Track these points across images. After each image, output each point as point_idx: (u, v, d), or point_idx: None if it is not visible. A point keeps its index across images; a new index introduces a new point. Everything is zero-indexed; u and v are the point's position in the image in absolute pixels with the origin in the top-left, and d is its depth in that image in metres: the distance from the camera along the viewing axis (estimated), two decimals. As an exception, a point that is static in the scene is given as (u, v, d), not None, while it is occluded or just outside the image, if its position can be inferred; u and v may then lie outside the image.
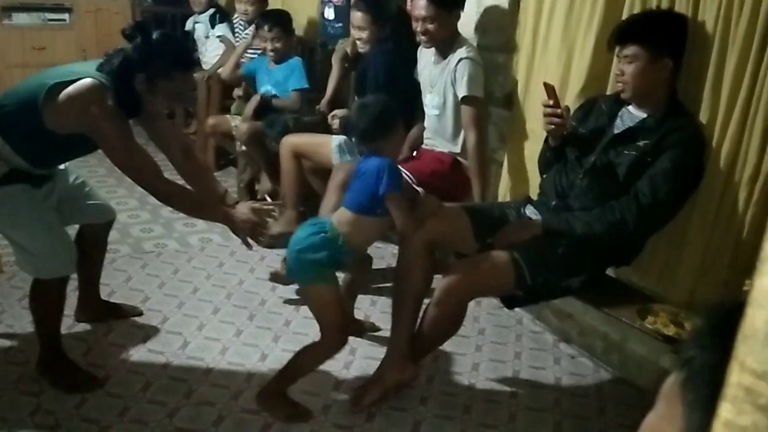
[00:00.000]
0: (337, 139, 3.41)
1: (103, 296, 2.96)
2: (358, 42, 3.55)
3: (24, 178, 2.33)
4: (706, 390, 0.57)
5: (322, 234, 2.29)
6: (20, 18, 5.18)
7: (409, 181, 3.00)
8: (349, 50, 3.90)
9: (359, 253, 2.46)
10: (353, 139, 2.37)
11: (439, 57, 3.16)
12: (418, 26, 3.08)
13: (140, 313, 2.97)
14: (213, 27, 4.81)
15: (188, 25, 5.02)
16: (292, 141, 3.56)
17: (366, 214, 2.32)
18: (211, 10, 4.85)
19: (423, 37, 3.09)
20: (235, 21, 4.68)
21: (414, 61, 3.39)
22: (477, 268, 2.31)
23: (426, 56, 3.26)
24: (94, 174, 4.50)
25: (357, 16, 3.49)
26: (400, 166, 3.04)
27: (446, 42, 3.09)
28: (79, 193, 2.64)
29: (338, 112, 3.73)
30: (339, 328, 2.33)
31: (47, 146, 2.30)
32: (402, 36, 3.41)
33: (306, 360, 2.40)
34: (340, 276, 2.55)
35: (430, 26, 3.03)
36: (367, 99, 2.39)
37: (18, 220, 2.34)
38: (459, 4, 3.09)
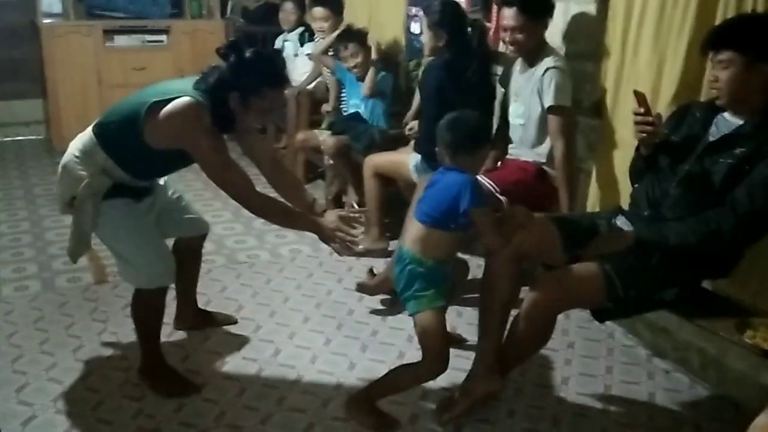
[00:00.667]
0: (415, 158, 3.45)
1: (200, 305, 3.08)
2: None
3: (127, 193, 2.46)
4: None
5: (409, 268, 2.32)
6: (121, 40, 5.45)
7: (492, 190, 2.99)
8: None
9: (451, 260, 2.44)
10: (437, 149, 2.37)
11: (525, 66, 3.15)
12: (506, 36, 3.07)
13: (235, 322, 3.07)
14: (302, 45, 4.93)
15: (278, 44, 5.17)
16: (373, 161, 3.65)
17: (438, 228, 2.30)
18: (300, 29, 4.97)
19: (511, 47, 3.08)
20: (316, 40, 4.78)
21: (481, 75, 3.37)
22: (566, 280, 2.27)
23: (513, 66, 3.25)
24: (191, 187, 4.70)
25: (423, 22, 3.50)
26: (482, 176, 3.05)
27: (533, 51, 3.08)
28: (176, 207, 2.76)
29: (413, 123, 3.79)
30: (439, 355, 2.32)
31: (148, 161, 2.43)
32: (462, 48, 3.38)
33: (402, 379, 2.42)
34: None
35: (519, 36, 3.02)
36: (462, 113, 2.38)
37: (121, 233, 2.47)
38: (548, 12, 3.06)
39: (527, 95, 3.11)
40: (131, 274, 2.51)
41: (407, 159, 3.53)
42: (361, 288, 3.25)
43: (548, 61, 3.01)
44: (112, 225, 2.45)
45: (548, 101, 2.99)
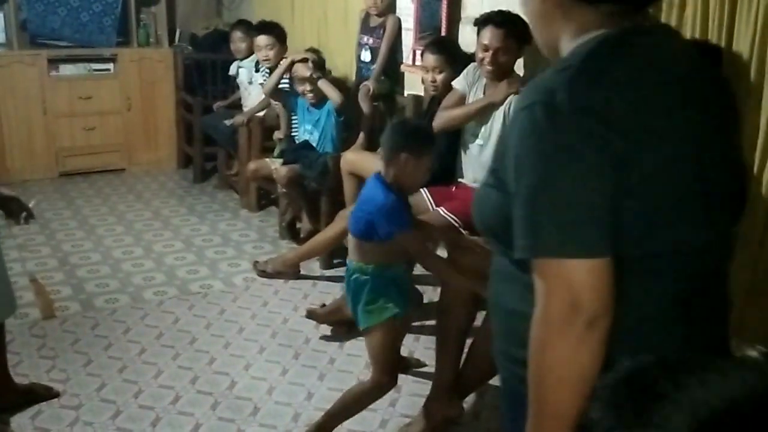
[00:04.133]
0: None
1: (152, 338, 3.01)
2: (430, 85, 3.48)
3: None
4: None
5: (352, 279, 2.31)
6: (66, 69, 5.35)
7: (455, 225, 2.99)
8: (372, 86, 3.98)
9: (396, 267, 2.35)
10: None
11: (490, 87, 3.13)
12: (487, 56, 3.03)
13: (57, 395, 2.70)
14: (257, 71, 4.94)
15: (232, 70, 5.15)
16: (348, 159, 3.80)
17: (365, 240, 2.28)
18: (254, 55, 4.98)
19: (489, 68, 3.06)
20: (261, 69, 4.78)
21: None
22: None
23: (474, 85, 3.24)
24: (141, 217, 4.63)
25: (431, 59, 3.42)
26: (443, 211, 3.06)
27: (504, 74, 3.09)
28: None
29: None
30: (389, 368, 2.32)
31: None
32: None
33: (353, 401, 2.41)
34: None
35: (502, 58, 3.02)
36: (407, 118, 2.34)
37: None
38: (530, 38, 3.09)
39: (489, 116, 3.10)
40: None
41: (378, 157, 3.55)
42: (311, 315, 3.24)
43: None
44: None
45: None
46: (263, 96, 4.75)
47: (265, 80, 4.72)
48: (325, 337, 3.20)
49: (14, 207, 2.49)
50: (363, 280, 2.29)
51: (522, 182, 1.05)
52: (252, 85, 4.92)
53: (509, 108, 3.03)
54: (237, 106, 5.10)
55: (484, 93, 3.16)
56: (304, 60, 4.11)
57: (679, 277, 1.10)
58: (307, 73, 4.04)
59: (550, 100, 1.01)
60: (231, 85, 5.25)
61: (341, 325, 3.21)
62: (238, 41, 5.00)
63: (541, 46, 1.22)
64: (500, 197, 1.12)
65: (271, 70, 4.64)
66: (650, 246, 1.06)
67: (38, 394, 2.67)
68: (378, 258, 2.29)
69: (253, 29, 4.78)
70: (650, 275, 1.08)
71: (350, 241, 2.35)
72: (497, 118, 3.08)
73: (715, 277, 1.18)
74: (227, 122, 4.86)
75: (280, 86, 4.37)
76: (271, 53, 4.57)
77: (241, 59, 5.01)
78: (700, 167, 1.08)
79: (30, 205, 2.52)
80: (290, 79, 4.32)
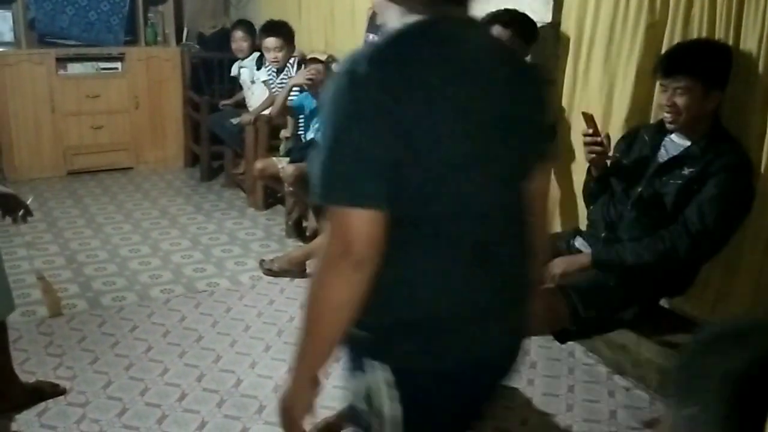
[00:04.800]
0: None
1: (158, 335, 3.01)
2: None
3: None
4: None
5: None
6: (74, 68, 5.37)
7: None
8: None
9: None
10: None
11: None
12: None
13: (63, 392, 2.70)
14: (258, 69, 4.94)
15: (234, 71, 5.15)
16: None
17: None
18: (256, 54, 4.97)
19: None
20: (267, 66, 4.79)
21: None
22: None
23: None
24: (148, 216, 4.64)
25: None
26: None
27: None
28: None
29: None
30: None
31: None
32: None
33: None
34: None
35: None
36: None
37: None
38: (536, 36, 3.09)
39: None
40: None
41: None
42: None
43: None
44: None
45: None
46: (267, 94, 4.76)
47: (269, 77, 4.74)
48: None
49: (11, 204, 2.47)
50: None
51: (322, 138, 1.20)
52: (255, 84, 4.92)
53: None
54: (243, 105, 5.11)
55: None
56: (315, 60, 4.14)
57: (464, 236, 1.26)
58: (323, 58, 4.08)
59: (353, 69, 1.17)
60: (238, 83, 5.26)
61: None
62: (239, 41, 5.01)
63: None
64: None
65: (279, 71, 4.65)
66: (436, 207, 1.22)
67: (44, 392, 2.67)
68: None
69: (261, 30, 4.78)
70: (436, 234, 1.24)
71: None
72: None
73: (505, 237, 1.33)
74: (233, 121, 4.87)
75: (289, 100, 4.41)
76: (279, 55, 4.58)
77: (243, 59, 5.02)
78: (485, 142, 1.24)
79: (28, 202, 2.50)
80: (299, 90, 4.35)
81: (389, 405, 1.29)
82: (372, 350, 1.30)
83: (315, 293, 1.25)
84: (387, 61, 1.19)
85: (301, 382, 1.33)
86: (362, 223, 1.17)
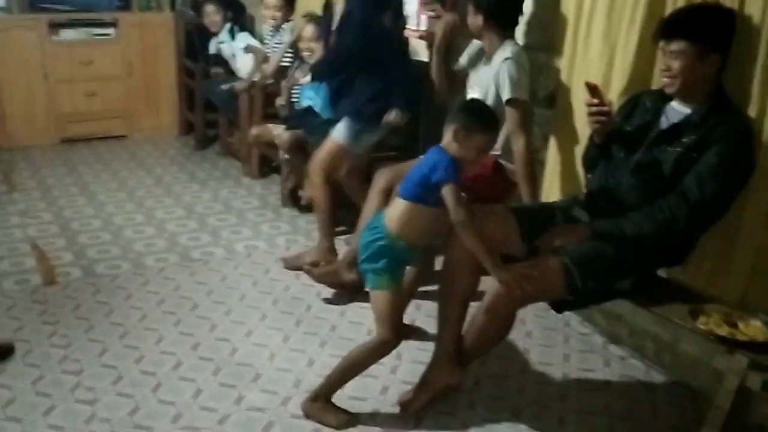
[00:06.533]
0: (341, 127, 3.47)
1: (153, 304, 3.00)
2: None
3: None
4: None
5: (379, 242, 2.31)
6: (67, 34, 5.28)
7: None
8: None
9: (421, 246, 2.43)
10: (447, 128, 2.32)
11: (488, 56, 3.09)
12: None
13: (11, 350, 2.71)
14: (233, 39, 4.89)
15: (212, 49, 5.10)
16: (318, 162, 3.54)
17: (418, 202, 2.29)
18: (227, 26, 4.93)
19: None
20: (264, 28, 4.73)
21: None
22: (527, 275, 2.26)
23: (478, 51, 3.20)
24: (142, 184, 4.61)
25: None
26: None
27: (494, 43, 3.04)
28: None
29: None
30: (394, 326, 2.33)
31: None
32: None
33: (357, 359, 2.39)
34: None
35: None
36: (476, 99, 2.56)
37: None
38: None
39: (485, 84, 3.06)
40: None
41: (334, 136, 3.51)
42: (308, 272, 3.23)
43: (506, 52, 2.98)
44: None
45: (506, 94, 2.92)
46: (251, 61, 4.73)
47: (248, 45, 4.72)
48: (326, 305, 3.19)
49: None
50: (388, 251, 2.30)
51: None
52: (236, 57, 4.89)
53: (498, 76, 2.96)
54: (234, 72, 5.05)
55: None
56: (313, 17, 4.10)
57: None
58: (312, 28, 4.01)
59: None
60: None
61: (341, 288, 3.21)
62: (211, 15, 4.98)
63: None
64: None
65: (276, 29, 4.61)
66: None
67: None
68: (415, 235, 2.32)
69: None
70: None
71: (394, 208, 2.34)
72: (490, 88, 3.01)
73: None
74: (224, 87, 4.82)
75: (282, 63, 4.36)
76: (278, 14, 4.56)
77: (217, 34, 4.98)
78: None
79: (11, 176, 2.44)
80: (293, 50, 4.31)
81: None
82: None
83: None
84: None
85: None
86: None
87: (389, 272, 2.31)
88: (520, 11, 3.07)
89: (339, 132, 3.49)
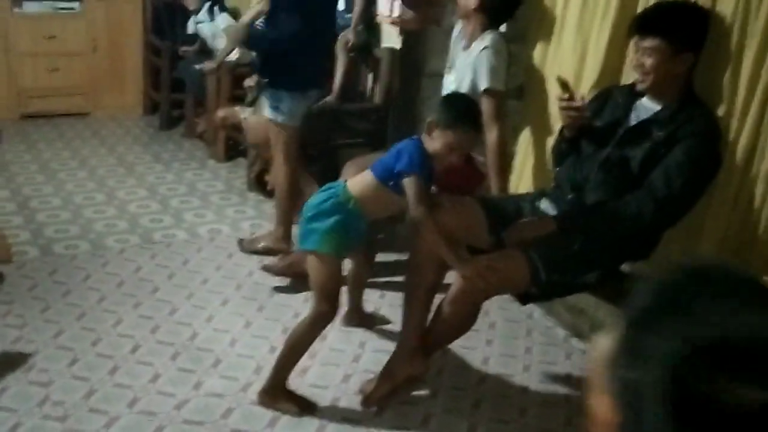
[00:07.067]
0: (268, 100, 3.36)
1: (112, 286, 2.94)
2: None
3: None
4: None
5: (333, 199, 2.28)
6: (30, 6, 5.14)
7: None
8: (351, 38, 3.90)
9: (370, 220, 2.40)
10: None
11: (468, 40, 3.03)
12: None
13: None
14: (213, 20, 4.80)
15: (191, 28, 4.99)
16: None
17: (383, 183, 2.28)
18: (207, 4, 4.83)
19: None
20: (215, 13, 4.69)
21: None
22: (492, 268, 2.26)
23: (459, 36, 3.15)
24: (104, 163, 4.51)
25: None
26: None
27: (477, 30, 2.97)
28: None
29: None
30: (329, 296, 2.30)
31: None
32: None
33: (297, 337, 2.36)
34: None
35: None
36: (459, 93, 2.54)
37: None
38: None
39: (462, 68, 2.98)
40: None
41: (263, 110, 3.44)
42: (267, 269, 3.20)
43: (486, 41, 2.91)
44: None
45: (483, 84, 2.85)
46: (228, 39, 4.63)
47: (228, 26, 4.61)
48: (290, 292, 3.16)
49: None
50: (341, 209, 2.26)
51: None
52: (216, 38, 4.79)
53: (476, 64, 2.91)
54: (206, 51, 4.95)
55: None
56: None
57: None
58: None
59: None
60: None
61: (304, 278, 3.17)
62: None
63: None
64: None
65: None
66: None
67: None
68: (371, 206, 2.30)
69: None
70: None
71: (361, 175, 2.33)
72: (466, 75, 2.96)
73: None
74: (197, 66, 4.72)
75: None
76: None
77: (196, 13, 4.87)
78: None
79: None
80: None
81: None
82: None
83: None
84: None
85: None
86: None
87: (336, 232, 2.26)
88: (515, 8, 3.01)
89: (266, 109, 3.37)
